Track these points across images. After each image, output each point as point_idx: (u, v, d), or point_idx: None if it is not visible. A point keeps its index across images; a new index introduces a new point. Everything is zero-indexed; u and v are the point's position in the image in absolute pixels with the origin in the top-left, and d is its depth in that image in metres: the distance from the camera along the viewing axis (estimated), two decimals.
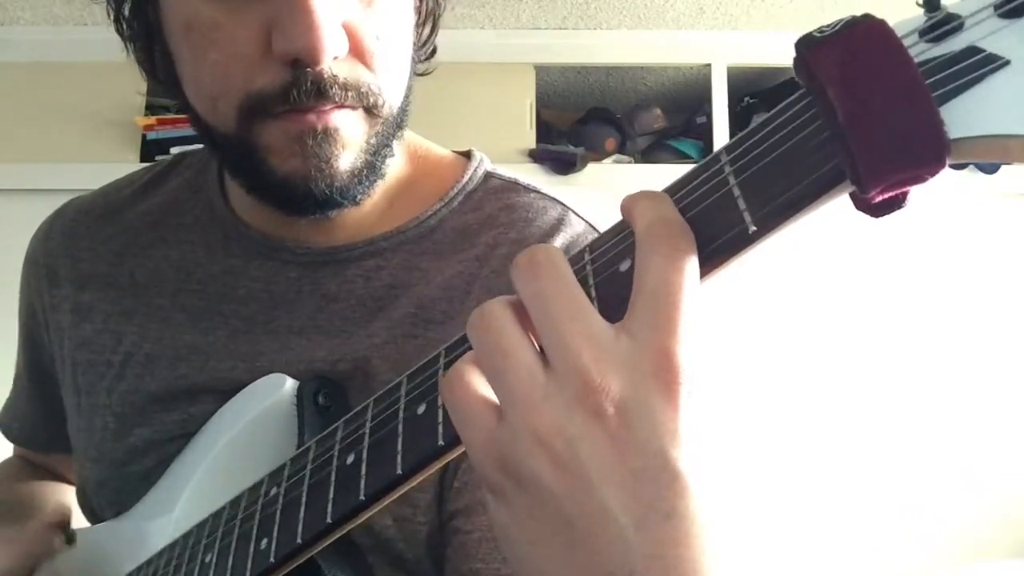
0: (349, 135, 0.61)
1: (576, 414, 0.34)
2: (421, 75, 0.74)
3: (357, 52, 0.60)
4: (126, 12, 0.67)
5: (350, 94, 0.59)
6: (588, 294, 0.39)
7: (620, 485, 0.33)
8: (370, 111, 0.62)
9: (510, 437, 0.35)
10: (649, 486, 0.33)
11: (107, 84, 2.41)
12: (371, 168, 0.63)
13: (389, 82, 0.62)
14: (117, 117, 2.48)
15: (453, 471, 0.63)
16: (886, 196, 0.33)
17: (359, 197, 0.64)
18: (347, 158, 0.61)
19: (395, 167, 0.73)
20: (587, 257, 0.41)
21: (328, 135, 0.59)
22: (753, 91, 2.72)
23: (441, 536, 0.63)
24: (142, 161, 2.44)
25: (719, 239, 0.36)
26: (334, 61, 0.58)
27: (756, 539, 2.39)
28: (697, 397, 0.35)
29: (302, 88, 0.57)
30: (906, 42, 0.32)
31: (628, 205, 0.38)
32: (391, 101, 0.63)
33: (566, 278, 0.36)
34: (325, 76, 0.57)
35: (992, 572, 2.24)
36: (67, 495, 0.91)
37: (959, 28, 0.31)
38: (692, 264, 0.36)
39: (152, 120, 2.47)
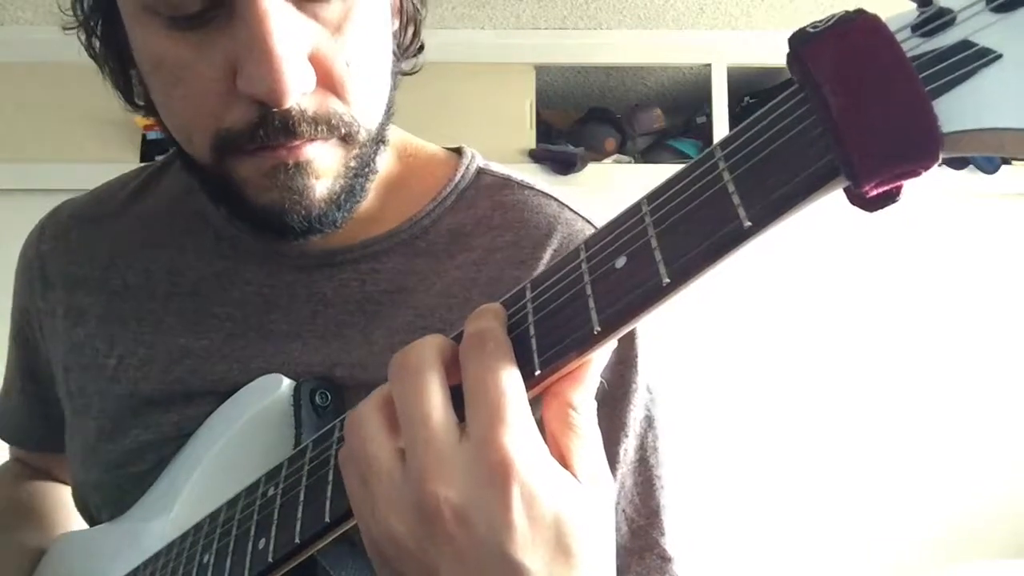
0: (323, 165, 0.59)
1: (420, 517, 0.38)
2: (408, 74, 0.73)
3: (327, 83, 0.57)
4: (96, 44, 0.67)
5: (320, 128, 0.57)
6: (584, 292, 0.40)
7: None
8: (345, 139, 0.60)
9: (380, 533, 0.40)
10: None
11: (107, 84, 2.40)
12: (350, 191, 0.62)
13: (363, 107, 0.60)
14: (117, 117, 2.47)
15: None
16: (880, 190, 0.33)
17: (339, 222, 0.63)
18: (323, 186, 0.60)
19: (385, 167, 0.72)
20: (583, 255, 0.42)
21: (300, 168, 0.58)
22: (753, 91, 2.72)
23: None
24: (142, 161, 2.44)
25: (714, 235, 0.36)
26: (302, 96, 0.56)
27: (757, 539, 2.39)
28: (531, 485, 0.38)
29: (269, 127, 0.55)
30: (899, 37, 0.32)
31: (467, 319, 0.43)
32: (367, 125, 0.61)
33: (427, 384, 0.41)
34: (293, 113, 0.55)
35: (992, 572, 2.24)
36: (56, 513, 0.91)
37: (951, 23, 0.31)
38: (504, 364, 0.40)
39: (152, 120, 2.46)
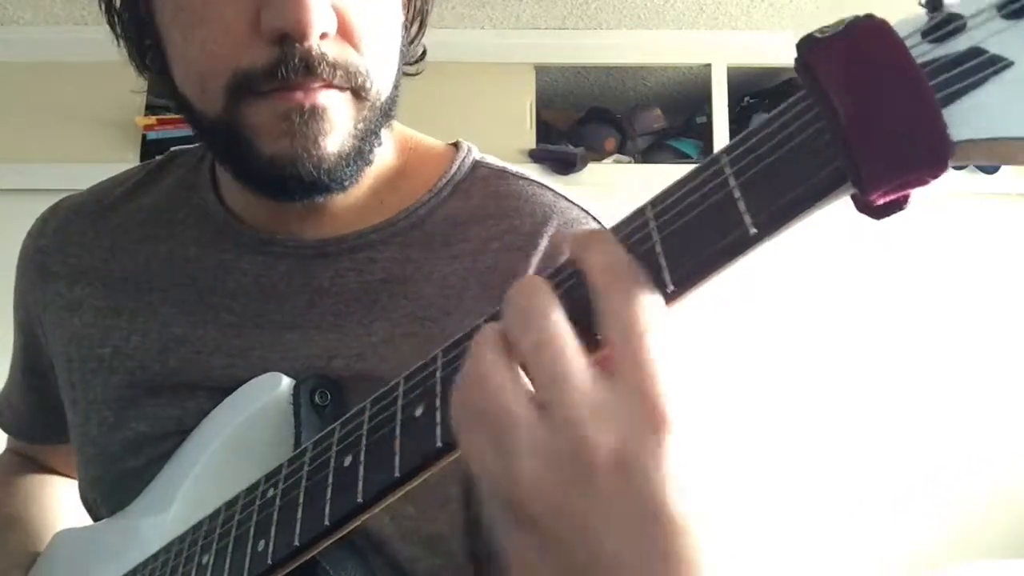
0: (337, 117, 0.61)
1: (573, 468, 0.35)
2: (412, 75, 0.74)
3: (346, 33, 0.60)
4: (117, 1, 0.68)
5: (338, 73, 0.59)
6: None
7: (619, 533, 0.35)
8: (358, 93, 0.62)
9: (521, 489, 0.37)
10: (646, 531, 0.35)
11: (107, 84, 2.41)
12: (359, 153, 0.63)
13: (377, 66, 0.63)
14: (117, 117, 2.48)
15: None
16: (888, 198, 0.32)
17: (346, 182, 0.64)
18: (334, 140, 0.61)
19: (385, 159, 0.73)
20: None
21: (316, 114, 0.59)
22: (753, 91, 2.72)
23: (472, 537, 0.63)
24: (142, 161, 2.44)
25: (720, 241, 0.36)
26: (323, 40, 0.58)
27: (755, 538, 2.39)
28: (687, 433, 0.36)
29: (290, 64, 0.57)
30: (908, 43, 0.32)
31: (577, 251, 0.40)
32: (379, 86, 0.63)
33: (561, 328, 0.38)
34: (313, 53, 0.57)
35: (992, 572, 2.24)
36: (52, 509, 0.92)
37: (962, 29, 0.31)
38: (652, 300, 0.37)
39: (152, 120, 2.47)
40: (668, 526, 0.35)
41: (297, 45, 0.57)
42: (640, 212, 0.40)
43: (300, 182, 0.61)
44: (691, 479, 0.36)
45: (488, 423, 0.38)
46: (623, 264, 0.38)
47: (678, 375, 0.36)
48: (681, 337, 0.38)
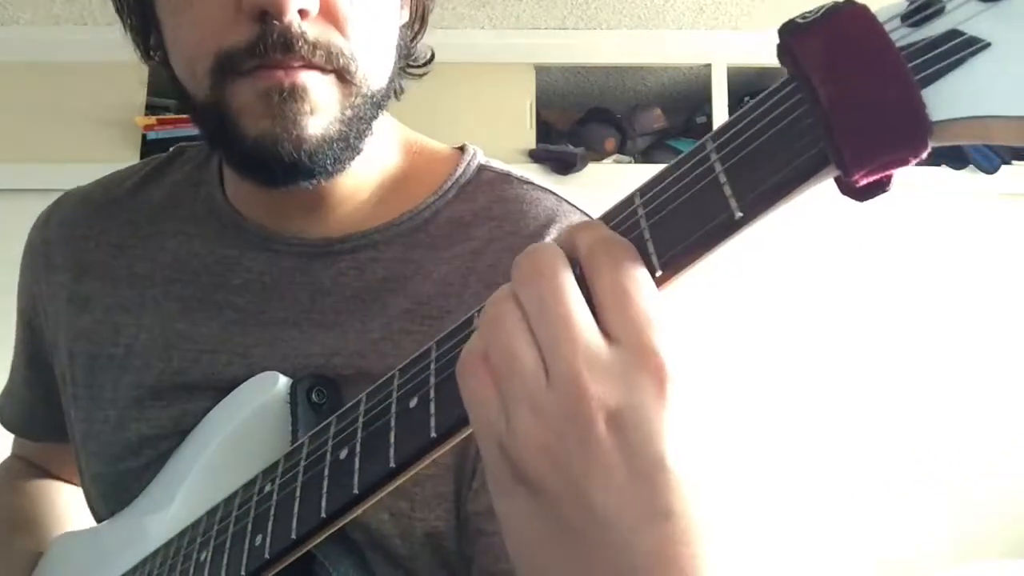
0: (319, 99, 0.60)
1: (573, 423, 0.35)
2: (419, 76, 0.75)
3: (329, 15, 0.60)
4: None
5: (319, 52, 0.59)
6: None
7: (618, 491, 0.35)
8: (342, 76, 0.61)
9: (516, 442, 0.36)
10: (646, 489, 0.35)
11: (107, 84, 2.42)
12: (345, 140, 0.63)
13: (364, 51, 0.62)
14: (117, 117, 2.49)
15: (471, 471, 0.63)
16: (870, 179, 0.33)
17: (330, 167, 0.63)
18: (317, 122, 0.61)
19: (390, 160, 0.74)
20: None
21: (295, 92, 0.59)
22: (753, 91, 2.71)
23: (460, 535, 0.64)
24: None
25: (705, 225, 0.36)
26: (305, 21, 0.58)
27: (753, 538, 2.39)
28: (687, 388, 0.36)
29: (268, 41, 0.57)
30: (888, 27, 0.33)
31: (568, 240, 0.40)
32: (366, 70, 0.63)
33: (567, 286, 0.37)
34: (292, 31, 0.57)
35: (991, 572, 2.24)
36: (52, 515, 0.92)
37: (940, 12, 0.32)
38: (637, 265, 0.37)
39: (152, 120, 2.47)
40: (668, 484, 0.35)
41: (276, 22, 0.57)
42: (628, 200, 0.41)
43: (281, 163, 0.61)
44: (692, 435, 0.35)
45: (494, 368, 0.38)
46: (609, 238, 0.39)
47: (674, 334, 0.36)
48: (674, 305, 0.38)
